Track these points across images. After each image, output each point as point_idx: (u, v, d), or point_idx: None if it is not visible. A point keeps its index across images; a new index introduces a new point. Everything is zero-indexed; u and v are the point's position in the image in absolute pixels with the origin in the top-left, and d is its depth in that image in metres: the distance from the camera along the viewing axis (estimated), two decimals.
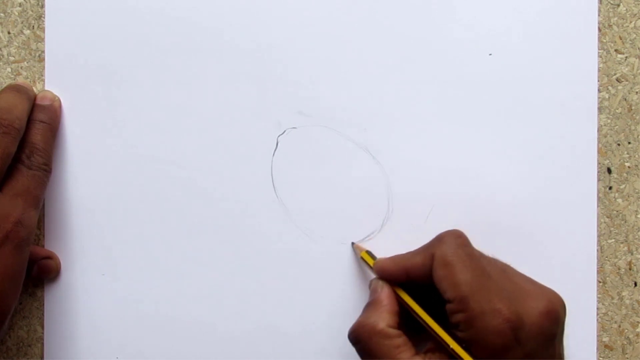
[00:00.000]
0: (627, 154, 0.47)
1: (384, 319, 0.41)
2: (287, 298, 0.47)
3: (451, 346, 0.39)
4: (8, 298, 0.42)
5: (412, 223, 0.46)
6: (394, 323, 0.41)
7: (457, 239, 0.41)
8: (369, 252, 0.45)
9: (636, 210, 0.47)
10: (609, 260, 0.47)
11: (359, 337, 0.41)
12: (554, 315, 0.39)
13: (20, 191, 0.42)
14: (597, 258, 0.47)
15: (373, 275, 0.44)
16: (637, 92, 0.47)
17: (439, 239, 0.41)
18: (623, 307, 0.47)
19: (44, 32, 0.47)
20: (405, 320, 0.42)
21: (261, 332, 0.47)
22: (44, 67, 0.47)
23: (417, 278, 0.41)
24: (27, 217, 0.42)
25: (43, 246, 0.47)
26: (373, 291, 0.43)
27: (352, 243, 0.47)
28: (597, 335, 0.47)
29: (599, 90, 0.47)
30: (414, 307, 0.41)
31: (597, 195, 0.47)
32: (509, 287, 0.39)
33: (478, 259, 0.40)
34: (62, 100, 0.47)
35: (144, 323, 0.47)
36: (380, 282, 0.43)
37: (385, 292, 0.42)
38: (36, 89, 0.47)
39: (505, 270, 0.41)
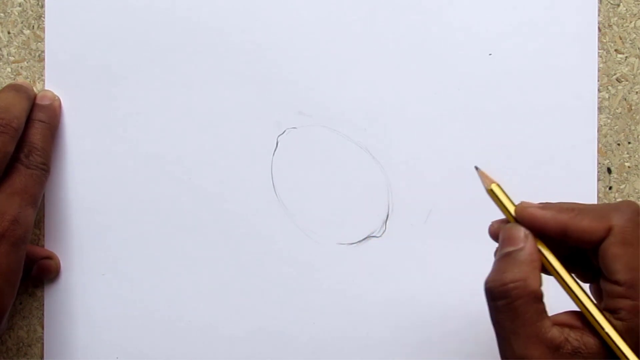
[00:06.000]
0: (627, 154, 0.47)
1: (536, 279, 0.35)
2: (286, 298, 0.47)
3: (617, 343, 0.34)
4: (4, 297, 0.41)
5: (412, 223, 0.46)
6: (541, 282, 0.36)
7: (638, 215, 0.36)
8: (501, 188, 0.38)
9: None
10: None
11: (506, 293, 0.35)
12: None
13: (18, 190, 0.42)
14: None
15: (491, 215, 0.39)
16: (637, 92, 0.47)
17: (617, 209, 0.36)
18: None
19: (44, 32, 0.47)
20: None
21: (261, 332, 0.47)
22: (44, 67, 0.47)
23: (575, 241, 0.36)
24: (24, 215, 0.42)
25: (43, 246, 0.47)
26: (515, 239, 0.37)
27: (476, 167, 0.39)
28: None
29: (599, 90, 0.47)
30: (565, 277, 0.36)
31: (597, 195, 0.47)
32: None
33: None
34: (62, 100, 0.47)
35: (144, 323, 0.47)
36: (524, 230, 0.37)
37: (532, 245, 0.36)
38: (36, 89, 0.47)
39: None
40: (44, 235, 0.47)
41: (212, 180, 0.47)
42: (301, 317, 0.47)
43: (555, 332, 0.35)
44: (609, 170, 0.47)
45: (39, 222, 0.47)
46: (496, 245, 0.38)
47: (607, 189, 0.47)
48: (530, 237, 0.37)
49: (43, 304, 0.47)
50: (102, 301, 0.47)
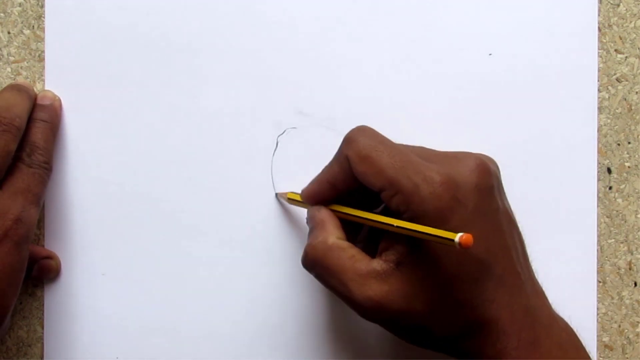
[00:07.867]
0: (627, 154, 0.47)
1: (332, 234, 0.40)
2: (286, 298, 0.47)
3: (395, 224, 0.37)
4: (7, 297, 0.41)
5: None
6: (342, 236, 0.40)
7: (363, 132, 0.40)
8: (294, 193, 0.45)
9: (636, 210, 0.47)
10: (609, 260, 0.47)
11: (313, 259, 0.40)
12: (484, 169, 0.39)
13: (21, 189, 0.42)
14: (597, 258, 0.47)
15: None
16: (637, 92, 0.47)
17: (347, 140, 0.40)
18: (623, 307, 0.47)
19: (44, 32, 0.47)
20: (351, 238, 0.41)
21: (261, 332, 0.47)
22: (44, 67, 0.47)
23: (343, 185, 0.41)
24: (27, 214, 0.42)
25: (43, 246, 0.47)
26: (311, 218, 0.42)
27: (276, 194, 0.47)
28: (597, 335, 0.47)
29: (599, 90, 0.47)
30: (352, 212, 0.41)
31: (597, 195, 0.47)
32: (433, 157, 0.39)
33: (391, 143, 0.39)
34: (62, 100, 0.47)
35: (144, 323, 0.47)
36: (315, 207, 0.42)
37: (323, 212, 0.42)
38: (36, 89, 0.47)
39: (423, 147, 0.41)
40: (44, 235, 0.47)
41: (212, 180, 0.47)
42: (301, 317, 0.47)
43: (375, 263, 0.38)
44: (609, 170, 0.47)
45: (39, 222, 0.47)
46: None
47: (607, 189, 0.47)
48: (322, 208, 0.42)
49: (43, 304, 0.47)
50: (102, 301, 0.47)
